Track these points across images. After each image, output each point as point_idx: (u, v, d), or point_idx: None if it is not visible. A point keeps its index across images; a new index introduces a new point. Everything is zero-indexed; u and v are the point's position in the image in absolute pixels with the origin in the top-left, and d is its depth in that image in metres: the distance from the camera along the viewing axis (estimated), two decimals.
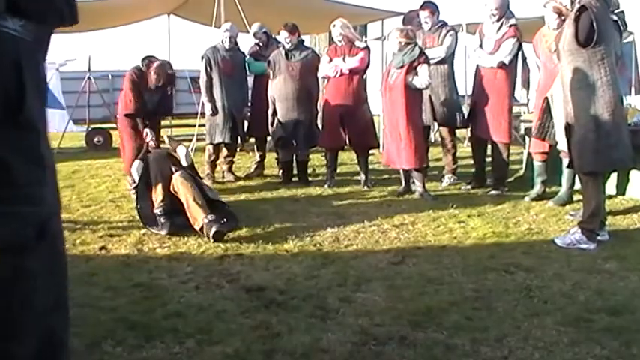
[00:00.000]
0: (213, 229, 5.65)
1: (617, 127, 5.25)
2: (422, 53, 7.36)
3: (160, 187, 6.16)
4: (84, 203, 7.44)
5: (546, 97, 6.38)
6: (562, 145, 6.20)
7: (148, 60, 7.95)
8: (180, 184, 6.14)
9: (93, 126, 14.41)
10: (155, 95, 8.02)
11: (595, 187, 5.41)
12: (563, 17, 6.09)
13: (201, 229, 5.76)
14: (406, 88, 7.24)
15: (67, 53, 23.17)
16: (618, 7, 6.29)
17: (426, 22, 8.10)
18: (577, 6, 5.29)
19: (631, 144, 6.12)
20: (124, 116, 7.93)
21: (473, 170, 8.42)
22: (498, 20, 7.50)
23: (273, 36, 9.55)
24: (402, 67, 7.27)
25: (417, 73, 7.27)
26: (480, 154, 8.05)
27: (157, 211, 6.01)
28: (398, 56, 7.36)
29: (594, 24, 5.13)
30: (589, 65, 5.20)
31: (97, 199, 7.64)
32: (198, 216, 5.84)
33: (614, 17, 6.08)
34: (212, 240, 5.61)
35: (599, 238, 5.40)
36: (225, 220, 5.89)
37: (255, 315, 3.94)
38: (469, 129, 8.38)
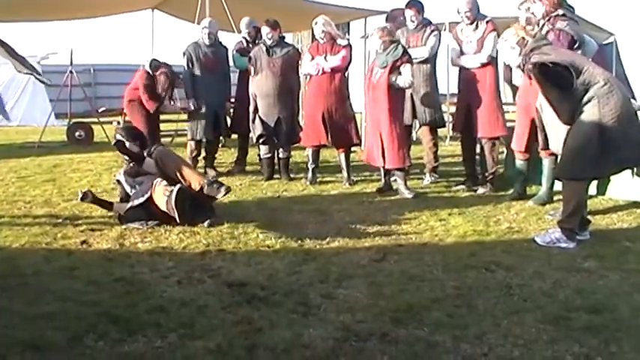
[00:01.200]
0: (208, 222, 5.96)
1: (622, 129, 5.18)
2: (405, 52, 7.39)
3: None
4: (65, 197, 7.40)
5: (537, 108, 6.38)
6: (553, 144, 6.20)
7: (156, 64, 9.27)
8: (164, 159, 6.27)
9: (74, 120, 14.32)
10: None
11: (577, 188, 5.44)
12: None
13: (202, 189, 6.09)
14: (389, 87, 7.28)
15: (49, 46, 23.03)
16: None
17: (412, 21, 8.11)
18: (534, 69, 5.36)
19: None
20: (135, 107, 9.33)
21: (455, 169, 8.49)
22: (472, 22, 7.59)
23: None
24: (385, 66, 7.30)
25: (400, 73, 7.30)
26: (471, 153, 8.08)
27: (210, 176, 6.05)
28: (382, 56, 7.38)
29: (564, 65, 5.20)
30: (584, 88, 5.21)
31: (78, 194, 7.59)
32: (194, 180, 6.14)
33: (560, 11, 6.16)
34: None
35: (580, 237, 5.44)
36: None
37: (237, 310, 3.95)
38: (459, 130, 8.36)
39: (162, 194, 5.85)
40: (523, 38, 5.60)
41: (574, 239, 5.36)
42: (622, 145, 5.20)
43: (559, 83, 5.30)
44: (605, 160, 5.23)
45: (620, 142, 5.19)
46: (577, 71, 5.20)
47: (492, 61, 7.56)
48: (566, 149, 5.43)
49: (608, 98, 5.16)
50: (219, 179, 7.63)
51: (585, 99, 5.22)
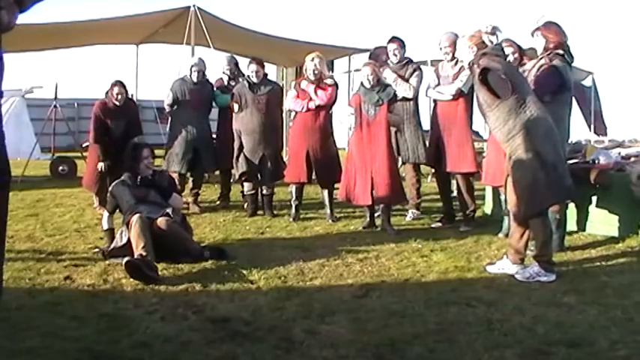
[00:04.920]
0: (127, 259, 5.49)
1: (559, 157, 5.45)
2: (395, 93, 7.60)
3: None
4: (48, 232, 7.40)
5: None
6: None
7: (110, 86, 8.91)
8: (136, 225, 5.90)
9: (58, 154, 14.32)
10: (121, 121, 8.87)
11: (540, 222, 5.55)
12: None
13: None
14: (388, 124, 7.44)
15: (34, 80, 23.05)
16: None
17: (395, 55, 8.25)
18: (477, 70, 5.51)
19: (592, 181, 6.72)
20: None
21: (437, 205, 8.56)
22: (452, 59, 7.71)
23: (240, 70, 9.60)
24: (381, 104, 7.44)
25: (391, 111, 7.46)
26: (447, 190, 8.19)
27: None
28: (371, 93, 7.50)
29: (504, 77, 5.34)
30: (514, 112, 5.37)
31: (61, 229, 7.61)
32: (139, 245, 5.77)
33: (561, 51, 6.26)
34: (125, 269, 5.44)
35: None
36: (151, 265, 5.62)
37: (221, 346, 3.95)
38: (431, 164, 8.47)
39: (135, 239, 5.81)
40: (483, 42, 5.69)
41: (553, 271, 5.45)
42: (565, 173, 5.45)
43: (495, 90, 5.45)
44: (557, 186, 5.41)
45: (562, 169, 5.44)
46: (514, 88, 5.37)
47: (465, 96, 7.67)
48: (518, 190, 5.54)
49: (536, 128, 5.35)
50: (203, 216, 7.66)
51: (512, 124, 5.38)
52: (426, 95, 8.24)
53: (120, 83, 8.89)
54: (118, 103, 8.81)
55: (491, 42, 5.71)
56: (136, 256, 5.57)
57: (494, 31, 5.79)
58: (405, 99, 8.13)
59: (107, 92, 8.92)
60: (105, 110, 8.87)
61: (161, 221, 6.01)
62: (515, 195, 5.57)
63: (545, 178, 5.35)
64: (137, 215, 5.94)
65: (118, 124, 8.87)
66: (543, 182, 5.36)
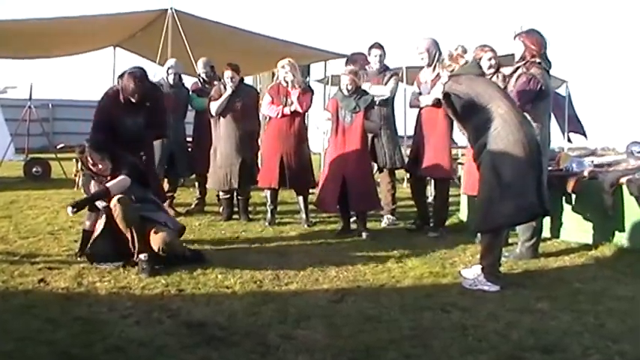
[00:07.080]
0: (144, 274, 5.67)
1: (517, 176, 5.28)
2: (373, 99, 7.64)
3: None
4: (22, 235, 7.33)
5: None
6: None
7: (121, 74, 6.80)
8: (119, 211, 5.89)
9: (32, 155, 14.21)
10: (139, 116, 6.77)
11: (490, 236, 5.54)
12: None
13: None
14: (364, 132, 7.46)
15: (8, 80, 22.85)
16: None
17: (377, 62, 8.28)
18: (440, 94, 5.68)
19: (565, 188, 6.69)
20: None
21: (412, 211, 8.59)
22: (429, 65, 7.76)
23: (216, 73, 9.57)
24: (358, 111, 7.48)
25: (368, 118, 7.48)
26: (422, 195, 8.24)
27: (142, 256, 5.80)
28: (349, 100, 7.52)
29: (466, 99, 5.43)
30: (481, 130, 5.40)
31: (35, 231, 7.54)
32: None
33: (538, 60, 6.33)
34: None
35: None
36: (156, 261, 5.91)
37: (196, 351, 3.94)
38: (409, 170, 8.53)
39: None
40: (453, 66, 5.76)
41: (496, 282, 5.41)
42: (524, 192, 5.31)
43: (458, 113, 5.58)
44: (510, 206, 5.30)
45: (519, 188, 5.29)
46: (477, 108, 5.39)
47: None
48: (477, 201, 5.60)
49: (497, 144, 5.31)
50: (178, 219, 7.62)
51: (481, 142, 5.42)
52: (410, 106, 8.25)
53: (139, 79, 6.64)
54: (133, 100, 6.63)
55: (466, 61, 5.76)
56: (141, 257, 5.78)
57: (465, 50, 5.85)
58: (381, 104, 8.15)
59: (122, 77, 6.74)
60: (116, 104, 6.70)
61: (163, 237, 5.91)
62: (477, 206, 5.61)
63: (499, 197, 5.29)
64: (116, 199, 5.88)
65: (136, 119, 6.76)
66: (497, 201, 5.31)
